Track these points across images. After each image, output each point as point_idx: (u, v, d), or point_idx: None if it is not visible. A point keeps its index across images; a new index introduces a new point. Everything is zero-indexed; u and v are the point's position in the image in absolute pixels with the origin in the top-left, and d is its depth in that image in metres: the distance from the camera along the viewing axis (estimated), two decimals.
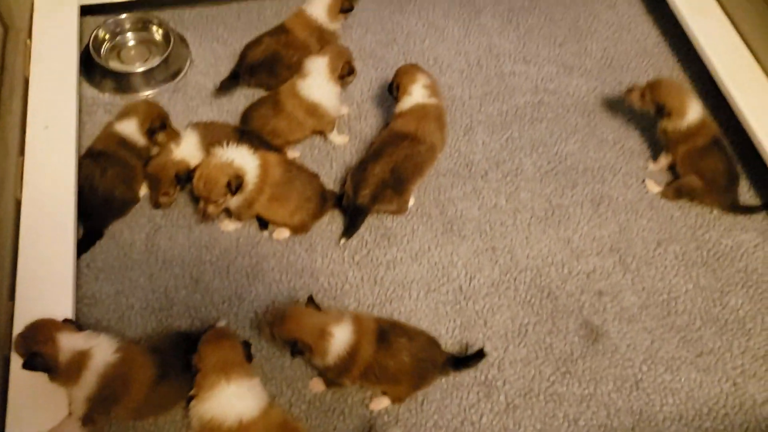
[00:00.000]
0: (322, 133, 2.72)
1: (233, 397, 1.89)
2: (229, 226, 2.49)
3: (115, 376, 1.92)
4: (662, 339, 2.33)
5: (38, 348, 1.86)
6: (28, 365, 1.85)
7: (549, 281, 2.44)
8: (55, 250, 2.30)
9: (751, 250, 2.52)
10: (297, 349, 1.99)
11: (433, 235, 2.53)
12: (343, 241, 2.46)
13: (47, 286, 2.23)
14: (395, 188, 2.43)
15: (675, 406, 2.21)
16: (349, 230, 2.46)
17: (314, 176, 2.50)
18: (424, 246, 2.51)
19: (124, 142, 2.49)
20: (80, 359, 1.89)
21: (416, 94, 2.51)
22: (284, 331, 2.02)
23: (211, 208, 2.30)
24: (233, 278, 2.40)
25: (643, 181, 2.66)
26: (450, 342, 2.30)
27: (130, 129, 2.50)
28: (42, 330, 1.89)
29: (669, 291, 2.43)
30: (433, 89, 2.55)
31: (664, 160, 2.65)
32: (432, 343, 2.15)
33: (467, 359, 2.23)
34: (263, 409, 1.91)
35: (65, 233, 2.33)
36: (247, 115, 2.67)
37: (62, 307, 2.18)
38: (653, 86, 2.56)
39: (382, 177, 2.40)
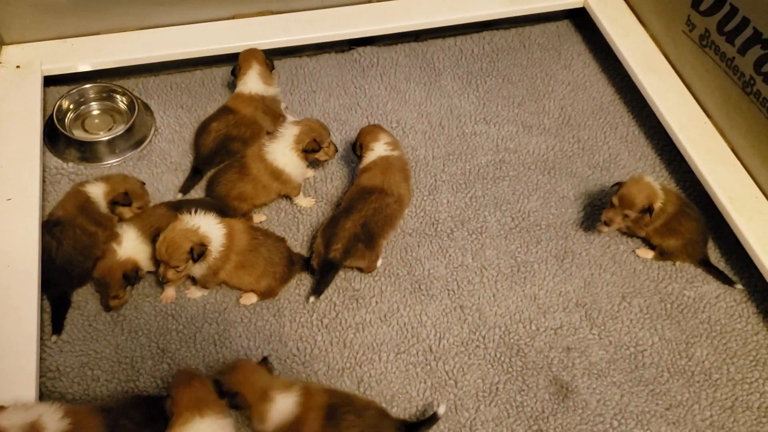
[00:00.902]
0: (288, 197, 2.74)
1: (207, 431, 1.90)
2: (196, 293, 2.48)
3: None
4: (631, 393, 2.34)
5: None
6: None
7: (517, 338, 2.45)
8: (18, 323, 2.27)
9: (713, 301, 2.56)
10: (236, 402, 1.99)
11: (401, 295, 2.54)
12: (312, 299, 2.45)
13: (10, 360, 2.19)
14: (366, 243, 2.45)
15: None
16: (319, 288, 2.45)
17: (281, 240, 2.50)
18: (393, 307, 2.51)
19: (84, 206, 2.47)
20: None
21: (378, 149, 2.58)
22: (229, 381, 2.01)
23: (170, 274, 2.28)
24: (200, 346, 2.38)
25: (634, 250, 2.68)
26: (421, 404, 2.29)
27: (96, 192, 2.50)
28: None
29: (635, 344, 2.45)
30: (395, 144, 2.62)
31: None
32: (382, 415, 2.12)
33: (420, 424, 2.19)
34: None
35: (28, 306, 2.31)
36: (213, 181, 2.68)
37: (25, 381, 2.15)
38: (625, 203, 2.47)
39: (353, 231, 2.42)
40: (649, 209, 2.48)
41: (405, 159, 2.64)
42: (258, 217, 2.70)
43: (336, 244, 2.41)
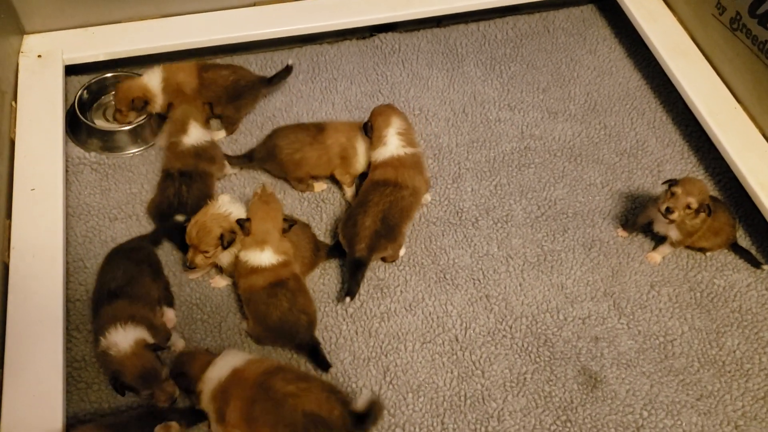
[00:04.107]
0: (338, 181, 2.72)
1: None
2: (221, 282, 2.46)
3: None
4: (661, 383, 2.31)
5: None
6: None
7: (545, 328, 2.42)
8: (44, 314, 2.26)
9: (744, 290, 2.52)
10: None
11: (426, 284, 2.52)
12: (348, 300, 2.37)
13: (36, 349, 2.18)
14: (388, 236, 2.42)
15: None
16: (352, 288, 2.38)
17: (306, 227, 2.50)
18: (418, 296, 2.49)
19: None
20: None
21: (391, 145, 2.53)
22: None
23: (199, 259, 2.27)
24: (225, 336, 2.37)
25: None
26: (449, 394, 2.27)
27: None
28: None
29: (665, 334, 2.42)
30: (407, 136, 2.56)
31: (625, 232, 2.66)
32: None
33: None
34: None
35: (54, 296, 2.30)
36: (280, 135, 2.65)
37: (52, 371, 2.15)
38: (689, 190, 2.36)
39: (374, 229, 2.39)
40: (708, 207, 2.39)
41: (419, 154, 2.58)
42: (319, 186, 2.74)
43: (360, 244, 2.38)
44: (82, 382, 2.25)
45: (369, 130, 2.60)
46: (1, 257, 2.31)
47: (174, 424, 1.89)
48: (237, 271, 2.32)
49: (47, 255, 2.38)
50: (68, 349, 2.30)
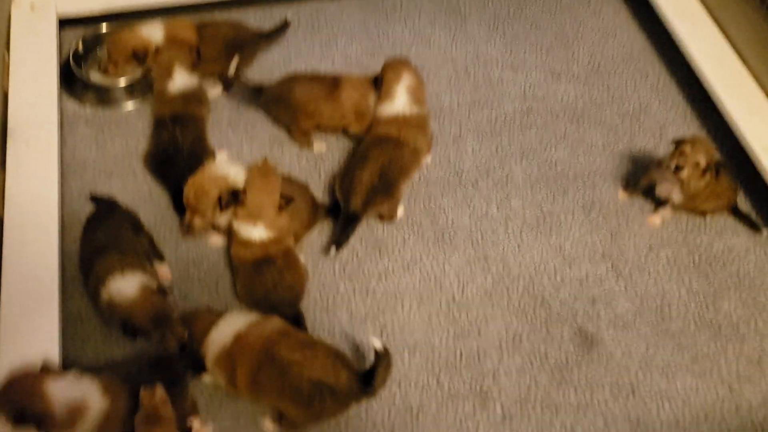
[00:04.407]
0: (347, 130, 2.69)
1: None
2: (218, 240, 2.45)
3: (107, 420, 1.84)
4: (657, 345, 2.32)
5: (26, 405, 1.74)
6: (18, 420, 1.73)
7: (542, 289, 2.42)
8: (40, 267, 2.25)
9: (742, 254, 2.51)
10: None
11: (424, 244, 2.51)
12: (333, 251, 2.40)
13: (32, 304, 2.17)
14: (385, 192, 2.41)
15: (672, 412, 2.19)
16: (340, 239, 2.40)
17: (304, 187, 2.47)
18: (416, 256, 2.48)
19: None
20: (76, 411, 1.79)
21: (398, 102, 2.50)
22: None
23: (197, 221, 2.26)
24: (222, 294, 2.36)
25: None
26: (444, 353, 2.27)
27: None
28: (24, 385, 1.78)
29: (662, 296, 2.42)
30: (417, 94, 2.53)
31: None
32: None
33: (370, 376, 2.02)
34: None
35: (49, 250, 2.28)
36: (296, 82, 2.63)
37: (48, 325, 2.14)
38: (698, 147, 2.34)
39: (371, 182, 2.38)
40: (716, 167, 2.37)
41: (425, 116, 2.56)
42: (318, 145, 2.70)
43: (355, 198, 2.37)
44: (78, 338, 2.24)
45: (379, 83, 2.57)
46: None
47: (159, 389, 1.86)
48: (230, 236, 2.31)
49: (42, 209, 2.35)
50: (64, 304, 2.28)
